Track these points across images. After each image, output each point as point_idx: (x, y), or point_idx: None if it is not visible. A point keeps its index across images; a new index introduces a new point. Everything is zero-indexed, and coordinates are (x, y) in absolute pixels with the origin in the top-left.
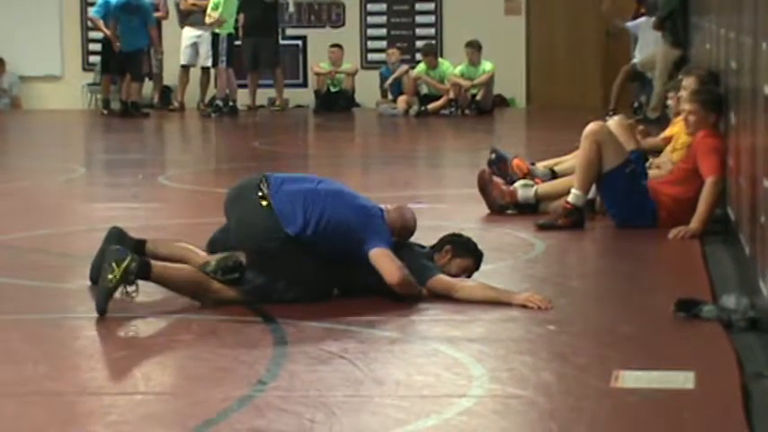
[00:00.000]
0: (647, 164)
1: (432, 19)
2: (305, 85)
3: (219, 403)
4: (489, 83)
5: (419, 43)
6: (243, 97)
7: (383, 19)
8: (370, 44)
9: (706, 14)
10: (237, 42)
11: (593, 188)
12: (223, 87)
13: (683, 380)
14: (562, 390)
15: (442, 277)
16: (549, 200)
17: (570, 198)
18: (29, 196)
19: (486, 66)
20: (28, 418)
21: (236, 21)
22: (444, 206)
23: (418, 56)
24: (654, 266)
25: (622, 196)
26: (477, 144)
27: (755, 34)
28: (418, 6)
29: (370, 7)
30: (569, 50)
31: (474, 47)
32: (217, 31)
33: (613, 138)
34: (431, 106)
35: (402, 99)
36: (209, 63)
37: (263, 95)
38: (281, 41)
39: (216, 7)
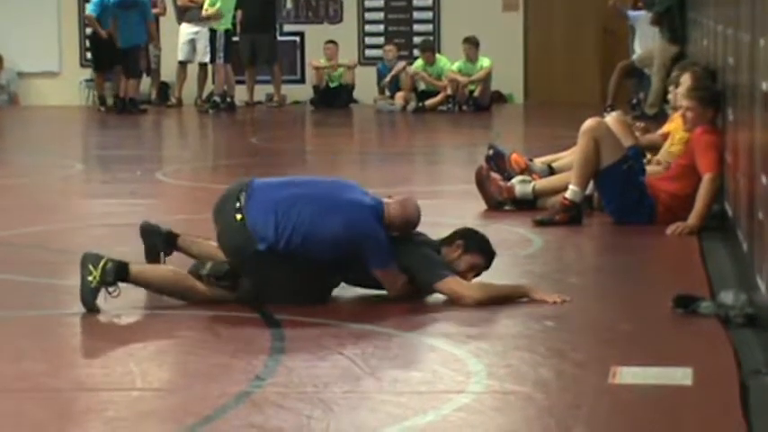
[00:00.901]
0: (645, 160)
1: (429, 15)
2: (302, 81)
3: (217, 399)
4: (487, 79)
5: (417, 39)
6: (241, 93)
7: (381, 15)
8: (368, 40)
9: (703, 10)
10: (235, 38)
11: (591, 184)
12: (221, 83)
13: (680, 376)
14: (560, 386)
15: (451, 283)
16: (547, 196)
17: (568, 194)
18: (27, 192)
19: (484, 62)
20: (25, 414)
21: (234, 17)
22: (442, 202)
23: (416, 52)
24: (651, 263)
25: (620, 192)
26: (475, 140)
27: (753, 30)
28: (416, 2)
29: (367, 3)
30: (567, 46)
31: (471, 43)
32: (214, 27)
33: (611, 134)
34: (428, 102)
35: (400, 95)
36: (206, 59)
37: (261, 91)
38: (279, 37)
39: (213, 4)
